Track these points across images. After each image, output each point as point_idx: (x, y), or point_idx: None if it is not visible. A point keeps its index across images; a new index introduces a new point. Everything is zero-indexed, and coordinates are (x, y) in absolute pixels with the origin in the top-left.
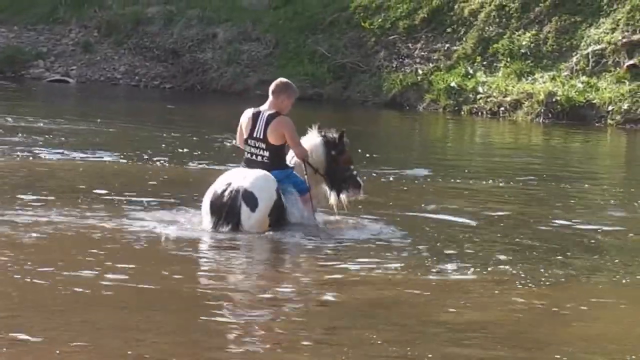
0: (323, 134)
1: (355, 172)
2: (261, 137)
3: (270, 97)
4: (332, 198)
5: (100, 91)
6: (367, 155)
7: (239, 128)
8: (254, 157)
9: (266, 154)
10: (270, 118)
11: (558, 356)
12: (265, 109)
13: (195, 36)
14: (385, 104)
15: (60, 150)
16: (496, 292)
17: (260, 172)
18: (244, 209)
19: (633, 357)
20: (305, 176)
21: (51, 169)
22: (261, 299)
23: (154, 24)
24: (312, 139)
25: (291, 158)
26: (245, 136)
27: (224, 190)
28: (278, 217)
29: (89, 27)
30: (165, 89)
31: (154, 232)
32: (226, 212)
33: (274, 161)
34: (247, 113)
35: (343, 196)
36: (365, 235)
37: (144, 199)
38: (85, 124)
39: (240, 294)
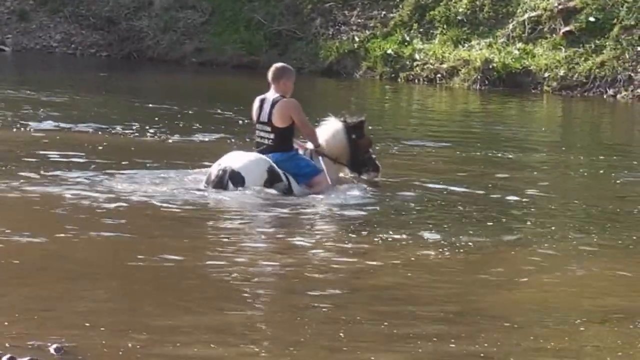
0: (343, 119)
1: (374, 155)
2: (266, 120)
3: (272, 85)
4: (338, 175)
5: (36, 59)
6: None
7: None
8: (261, 140)
9: (271, 136)
10: (276, 101)
11: (495, 321)
12: (271, 94)
13: (131, 4)
14: (321, 71)
15: None
16: (432, 257)
17: (252, 155)
18: (231, 188)
19: (567, 319)
20: (322, 162)
21: None
22: (214, 265)
23: None
24: (333, 125)
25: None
26: (254, 121)
27: (217, 170)
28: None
29: None
30: (101, 57)
31: (99, 201)
32: (214, 188)
33: (278, 144)
34: (256, 101)
35: (363, 177)
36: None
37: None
38: (23, 91)
39: (190, 263)
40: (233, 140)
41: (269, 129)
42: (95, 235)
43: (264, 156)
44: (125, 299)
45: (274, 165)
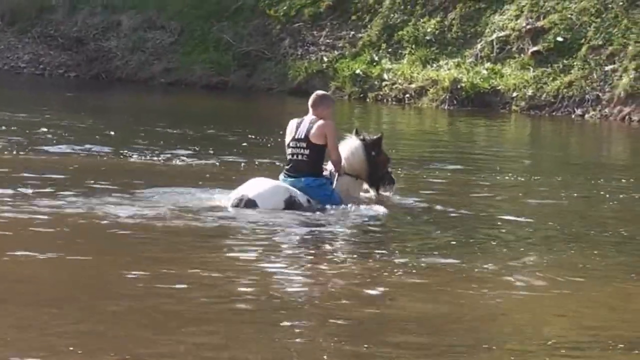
0: (362, 137)
1: (390, 171)
2: (303, 137)
3: (310, 110)
4: (372, 193)
5: (4, 80)
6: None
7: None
8: (295, 157)
9: (306, 152)
10: (314, 121)
11: (454, 338)
12: (308, 117)
13: (99, 24)
14: (290, 91)
15: None
16: (390, 276)
17: (271, 183)
18: None
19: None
20: (337, 182)
21: None
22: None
23: (58, 12)
24: (352, 142)
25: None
26: (287, 141)
27: (234, 197)
28: None
29: None
30: (70, 78)
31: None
32: None
33: (313, 162)
34: (292, 123)
35: (380, 191)
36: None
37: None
38: None
39: (165, 285)
40: (217, 161)
41: (304, 144)
42: (66, 256)
43: (284, 185)
44: (99, 321)
45: (295, 194)
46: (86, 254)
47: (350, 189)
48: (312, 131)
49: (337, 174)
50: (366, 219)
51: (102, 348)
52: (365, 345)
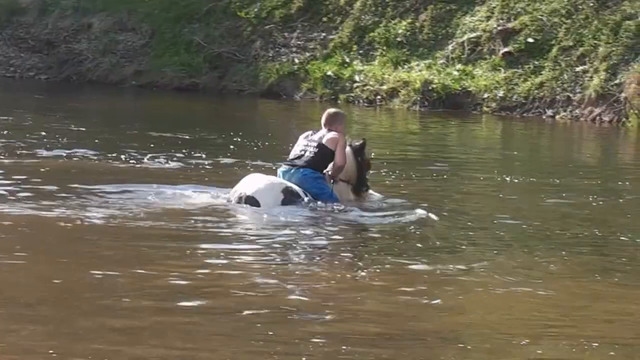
0: (350, 143)
1: (367, 177)
2: (316, 139)
3: (324, 127)
4: (351, 196)
5: None
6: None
7: None
8: (302, 152)
9: (315, 150)
10: (329, 132)
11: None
12: (323, 130)
13: (70, 26)
14: (261, 93)
15: None
16: (369, 283)
17: (267, 179)
18: None
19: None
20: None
21: None
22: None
23: (28, 15)
24: None
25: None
26: (298, 141)
27: (234, 197)
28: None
29: None
30: (40, 80)
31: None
32: None
33: (318, 159)
34: (305, 133)
35: (360, 196)
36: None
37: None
38: None
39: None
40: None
41: (315, 144)
42: (44, 260)
43: (277, 179)
44: (65, 324)
45: (291, 185)
46: (63, 258)
47: (344, 195)
48: (326, 137)
49: (332, 181)
50: (354, 223)
51: (78, 351)
52: (346, 347)
